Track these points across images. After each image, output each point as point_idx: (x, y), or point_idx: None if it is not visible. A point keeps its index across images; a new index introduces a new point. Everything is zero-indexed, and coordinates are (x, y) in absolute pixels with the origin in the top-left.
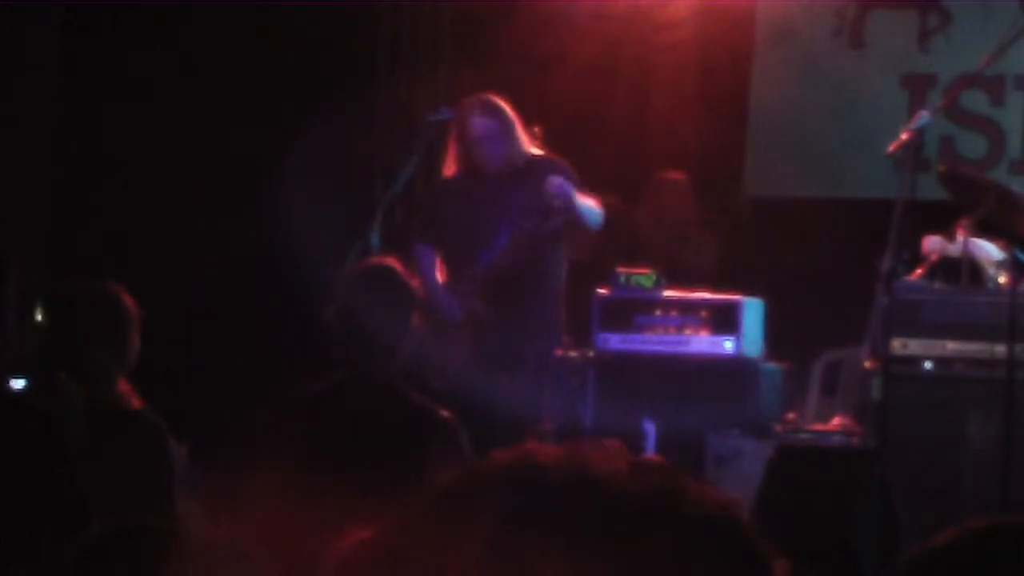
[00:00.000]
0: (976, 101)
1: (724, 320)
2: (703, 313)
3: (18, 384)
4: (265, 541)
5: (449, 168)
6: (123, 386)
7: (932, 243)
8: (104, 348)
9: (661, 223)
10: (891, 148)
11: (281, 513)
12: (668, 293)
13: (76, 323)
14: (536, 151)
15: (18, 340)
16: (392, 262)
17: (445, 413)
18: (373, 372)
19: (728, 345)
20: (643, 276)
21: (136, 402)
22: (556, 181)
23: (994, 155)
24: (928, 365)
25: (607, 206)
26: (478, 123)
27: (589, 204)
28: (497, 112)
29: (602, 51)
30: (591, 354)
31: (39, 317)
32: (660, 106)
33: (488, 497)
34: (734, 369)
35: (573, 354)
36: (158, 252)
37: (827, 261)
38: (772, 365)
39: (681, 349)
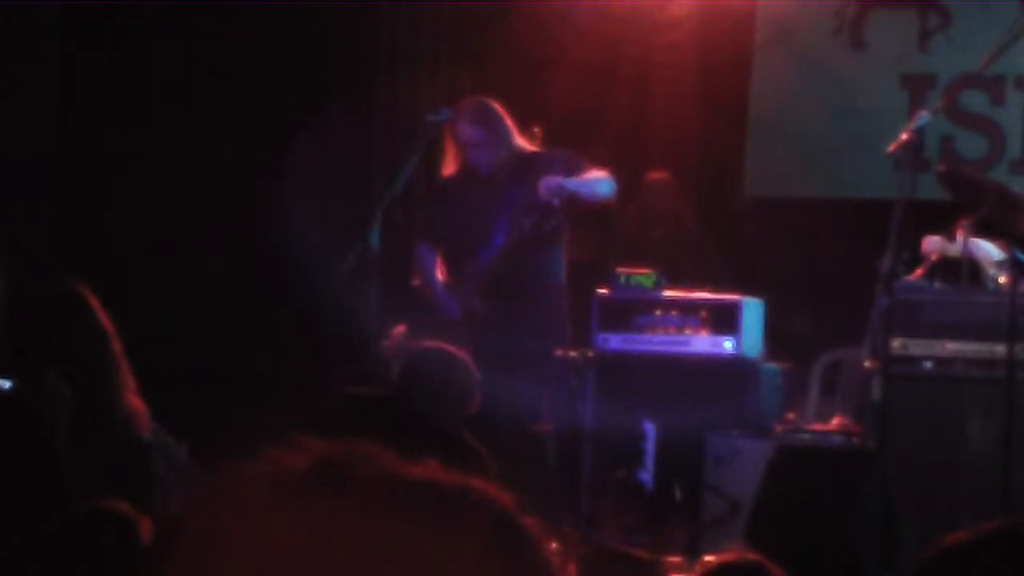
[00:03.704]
0: (976, 101)
1: (724, 320)
2: (703, 313)
3: (4, 384)
4: None
5: (448, 168)
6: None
7: (932, 243)
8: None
9: (653, 224)
10: (891, 148)
11: None
12: (668, 293)
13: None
14: (534, 149)
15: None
16: (451, 348)
17: (483, 451)
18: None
19: (728, 345)
20: (643, 276)
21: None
22: (545, 186)
23: (994, 155)
24: (928, 365)
25: (606, 206)
26: (465, 130)
27: (592, 178)
28: (485, 120)
29: (602, 51)
30: (591, 354)
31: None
32: (660, 106)
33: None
34: (734, 369)
35: (573, 354)
36: (158, 252)
37: (827, 261)
38: (772, 365)
39: (681, 349)
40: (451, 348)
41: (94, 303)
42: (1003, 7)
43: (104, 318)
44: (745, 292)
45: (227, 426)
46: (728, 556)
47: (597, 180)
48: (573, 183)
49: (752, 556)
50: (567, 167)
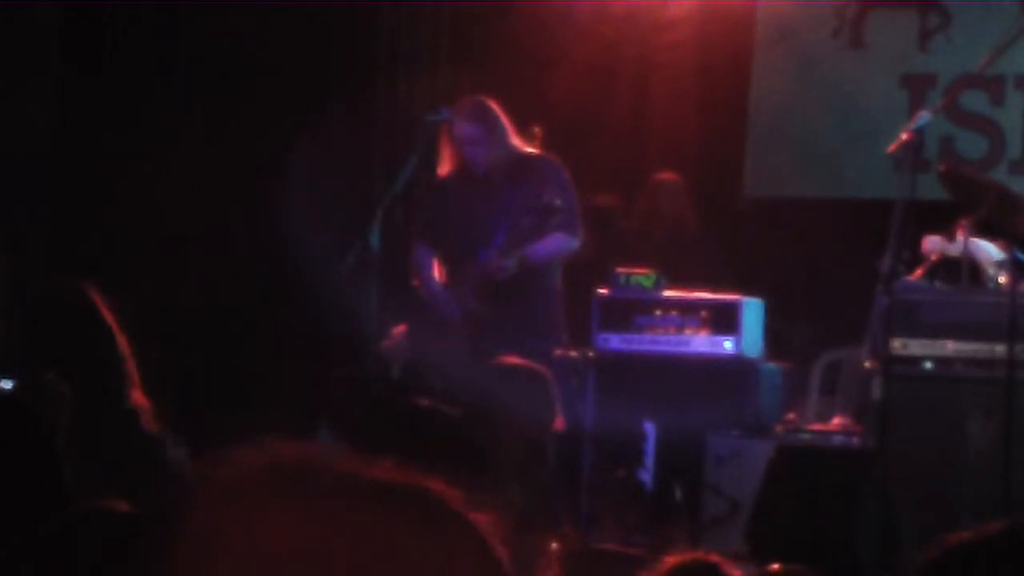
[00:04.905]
0: (976, 101)
1: (724, 320)
2: (703, 313)
3: (5, 384)
4: None
5: (445, 167)
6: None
7: (932, 243)
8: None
9: (656, 224)
10: (891, 148)
11: None
12: (668, 293)
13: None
14: (532, 150)
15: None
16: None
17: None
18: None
19: (728, 345)
20: (643, 276)
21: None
22: (494, 265)
23: (994, 155)
24: (928, 365)
25: (606, 207)
26: (462, 127)
27: (554, 243)
28: (482, 117)
29: (602, 51)
30: (591, 354)
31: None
32: (660, 106)
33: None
34: (734, 369)
35: (573, 354)
36: (158, 252)
37: (827, 261)
38: (772, 365)
39: (681, 349)
40: (536, 366)
41: (98, 301)
42: (1003, 7)
43: (108, 315)
44: (745, 292)
45: (227, 426)
46: (684, 557)
47: (557, 248)
48: (529, 252)
49: (709, 557)
50: (559, 177)
